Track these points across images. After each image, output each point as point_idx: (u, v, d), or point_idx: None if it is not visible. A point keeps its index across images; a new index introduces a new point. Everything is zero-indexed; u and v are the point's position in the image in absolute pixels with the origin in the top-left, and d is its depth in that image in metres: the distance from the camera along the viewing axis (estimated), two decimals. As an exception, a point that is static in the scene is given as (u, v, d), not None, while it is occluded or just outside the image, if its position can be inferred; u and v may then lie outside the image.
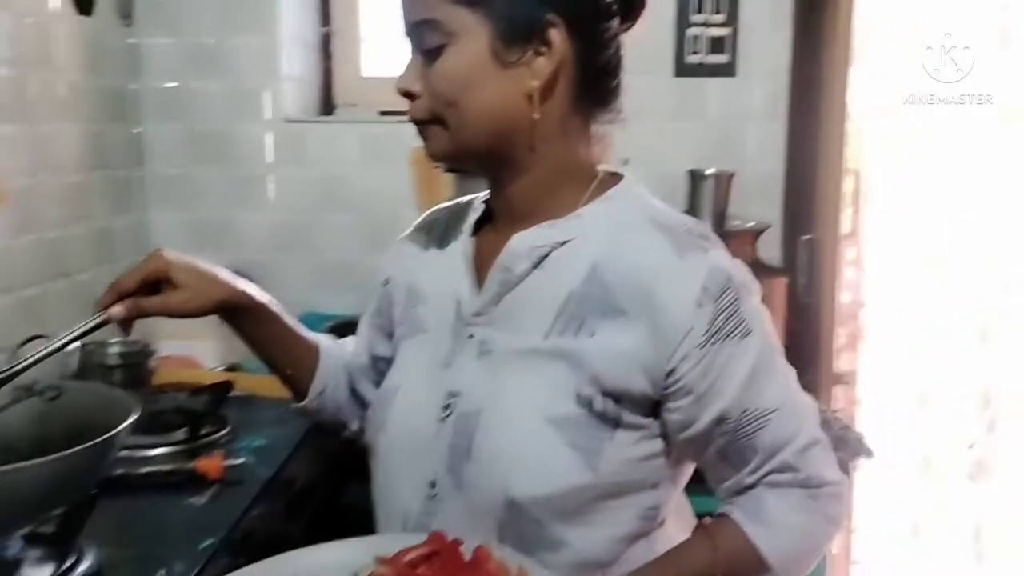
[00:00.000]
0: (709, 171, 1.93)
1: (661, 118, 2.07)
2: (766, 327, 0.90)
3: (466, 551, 0.82)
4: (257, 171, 2.18)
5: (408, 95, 0.91)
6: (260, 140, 2.16)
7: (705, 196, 1.92)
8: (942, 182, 2.28)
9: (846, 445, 1.66)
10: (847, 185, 2.20)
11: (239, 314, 1.02)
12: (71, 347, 0.97)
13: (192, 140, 2.15)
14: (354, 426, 1.12)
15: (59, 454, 0.91)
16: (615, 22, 0.92)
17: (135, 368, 1.73)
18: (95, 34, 1.89)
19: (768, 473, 0.91)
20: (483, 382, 0.92)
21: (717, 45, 2.06)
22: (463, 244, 0.99)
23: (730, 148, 2.07)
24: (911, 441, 2.43)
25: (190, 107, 2.14)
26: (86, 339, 0.97)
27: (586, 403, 0.88)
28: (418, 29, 0.89)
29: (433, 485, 0.93)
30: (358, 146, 2.18)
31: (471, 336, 0.95)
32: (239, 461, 1.29)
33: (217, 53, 2.12)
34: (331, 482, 1.57)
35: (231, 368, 1.89)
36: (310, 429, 1.50)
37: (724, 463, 0.91)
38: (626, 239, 0.91)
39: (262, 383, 1.78)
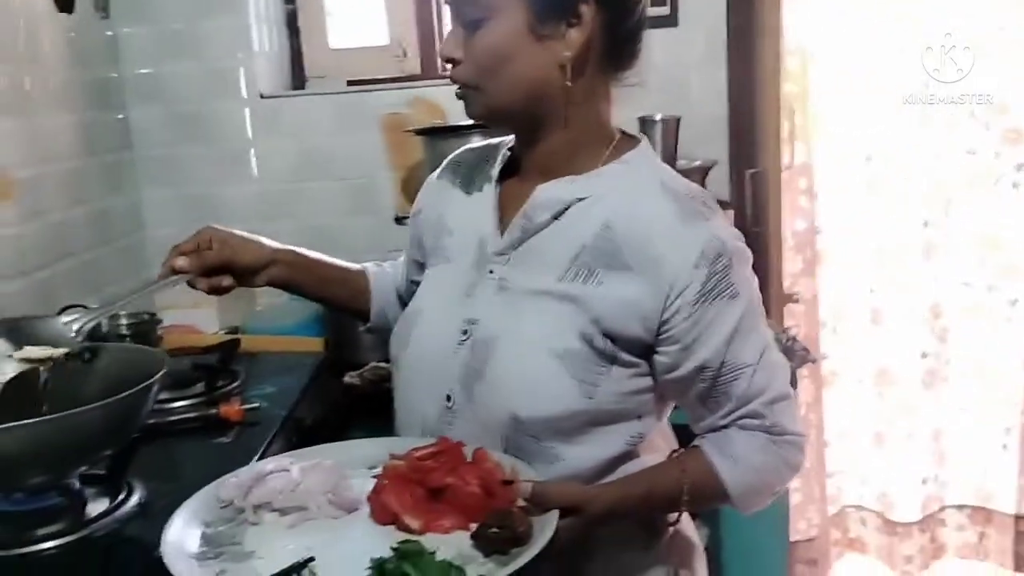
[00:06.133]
0: (657, 117, 2.08)
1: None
2: (752, 292, 1.01)
3: (467, 453, 0.98)
4: (238, 146, 2.31)
5: (451, 61, 1.01)
6: (238, 116, 2.29)
7: (655, 140, 2.07)
8: (886, 114, 2.43)
9: (793, 355, 1.84)
10: (797, 120, 2.36)
11: (290, 269, 1.17)
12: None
13: (174, 121, 2.28)
14: None
15: (110, 399, 1.07)
16: None
17: (143, 337, 1.86)
18: (76, 29, 2.00)
19: (739, 418, 1.02)
20: (499, 314, 1.04)
21: (658, -1, 2.20)
22: (490, 188, 1.10)
23: (676, 94, 2.22)
24: (870, 356, 2.61)
25: (169, 90, 2.26)
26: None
27: (588, 340, 0.99)
28: (461, 4, 1.00)
29: (449, 398, 1.05)
30: (331, 116, 2.31)
31: (491, 272, 1.07)
32: (255, 405, 1.45)
33: (189, 37, 2.24)
34: (336, 421, 1.73)
35: (232, 331, 2.05)
36: (313, 376, 1.67)
37: (702, 406, 1.03)
38: (638, 202, 1.01)
39: (263, 341, 1.95)
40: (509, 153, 1.12)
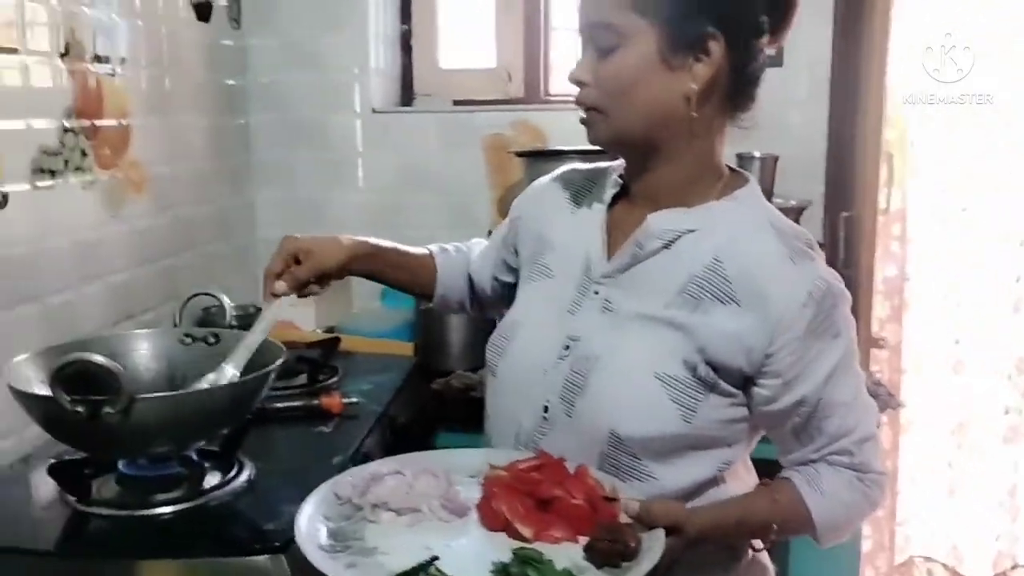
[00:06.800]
0: (756, 154, 2.12)
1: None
2: (851, 333, 1.05)
3: (568, 468, 1.02)
4: (347, 156, 2.43)
5: (579, 84, 1.06)
6: (350, 128, 2.41)
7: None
8: (982, 164, 2.42)
9: (876, 399, 1.83)
10: (896, 165, 2.37)
11: (365, 259, 1.25)
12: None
13: (290, 129, 2.41)
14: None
15: (233, 381, 1.17)
16: (765, 38, 1.05)
17: (249, 327, 1.99)
18: (212, 38, 2.16)
19: (829, 454, 1.06)
20: (603, 333, 1.08)
21: (764, 38, 2.24)
22: (599, 211, 1.15)
23: (776, 132, 2.24)
24: (950, 407, 2.58)
25: (288, 99, 2.40)
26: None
27: (691, 368, 1.03)
28: (594, 29, 1.04)
29: (546, 409, 1.09)
30: (436, 133, 2.42)
31: (596, 292, 1.11)
32: (355, 400, 1.54)
33: (311, 50, 2.38)
34: (423, 424, 1.81)
35: (328, 330, 2.16)
36: (407, 377, 1.76)
37: (794, 439, 1.07)
38: (748, 238, 1.04)
39: (357, 342, 2.05)
40: (620, 181, 1.16)
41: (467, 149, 2.39)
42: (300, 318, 2.20)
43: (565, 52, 2.54)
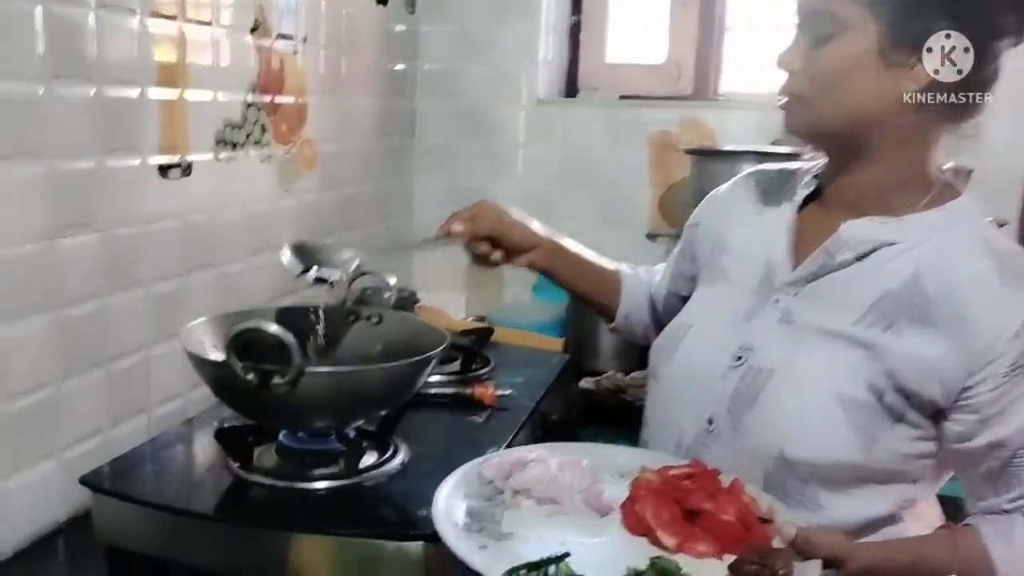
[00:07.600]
0: (947, 165, 1.96)
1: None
2: None
3: (722, 481, 0.96)
4: (510, 146, 2.42)
5: (788, 70, 0.99)
6: (514, 118, 2.40)
7: (942, 189, 1.95)
8: None
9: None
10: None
11: (551, 256, 1.23)
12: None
13: (455, 116, 2.42)
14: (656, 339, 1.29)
15: (397, 362, 1.15)
16: (1007, 41, 0.94)
17: (403, 309, 2.01)
18: (387, 22, 2.18)
19: None
20: (780, 346, 1.01)
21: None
22: (787, 214, 1.07)
23: (973, 144, 2.07)
24: None
25: (456, 86, 2.41)
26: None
27: (877, 393, 0.94)
28: (812, 16, 0.97)
29: (711, 421, 1.04)
30: (599, 127, 2.37)
31: (777, 301, 1.03)
32: (507, 392, 1.51)
33: (483, 39, 2.38)
34: (571, 423, 1.77)
35: (478, 319, 2.14)
36: (560, 373, 1.72)
37: (988, 484, 0.96)
38: (956, 256, 0.94)
39: (508, 334, 2.02)
40: (815, 182, 1.08)
41: (630, 145, 2.33)
42: (449, 305, 2.19)
43: (738, 51, 2.44)
